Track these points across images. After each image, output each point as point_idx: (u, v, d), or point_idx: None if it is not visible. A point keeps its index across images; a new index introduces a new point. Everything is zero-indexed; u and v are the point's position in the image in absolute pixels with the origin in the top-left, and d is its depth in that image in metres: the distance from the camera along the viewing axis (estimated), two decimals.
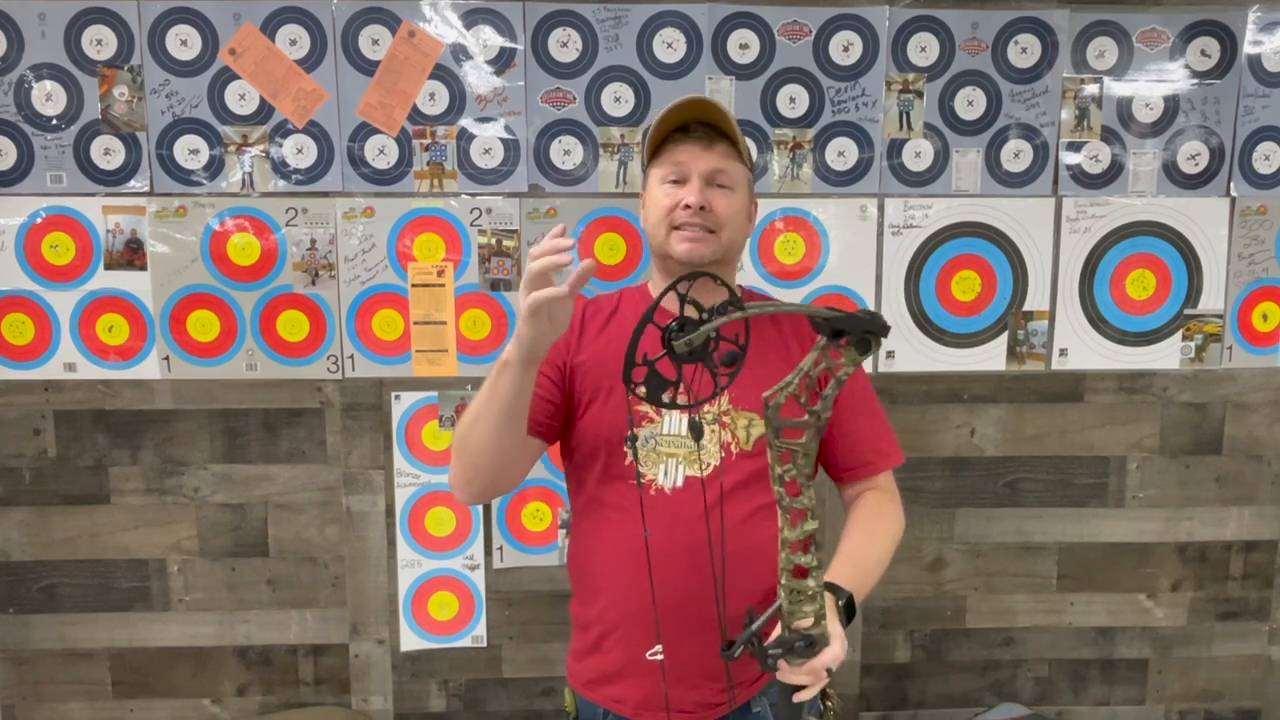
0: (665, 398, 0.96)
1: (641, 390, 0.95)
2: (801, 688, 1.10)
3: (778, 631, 1.08)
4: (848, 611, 1.21)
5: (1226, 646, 2.23)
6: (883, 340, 0.96)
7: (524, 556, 2.10)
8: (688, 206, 1.32)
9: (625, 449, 1.33)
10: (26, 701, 2.11)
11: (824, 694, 1.31)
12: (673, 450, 1.32)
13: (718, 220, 1.33)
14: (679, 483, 1.31)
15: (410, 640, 2.11)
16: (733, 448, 1.32)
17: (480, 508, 2.07)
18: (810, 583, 1.03)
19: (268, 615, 2.10)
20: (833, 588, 1.22)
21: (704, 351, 0.94)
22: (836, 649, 1.09)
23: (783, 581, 1.03)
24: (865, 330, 0.94)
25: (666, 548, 1.27)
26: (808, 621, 1.05)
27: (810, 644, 1.06)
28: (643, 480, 1.32)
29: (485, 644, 2.12)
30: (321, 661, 2.12)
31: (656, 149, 1.39)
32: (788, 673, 1.08)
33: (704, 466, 1.32)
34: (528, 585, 2.11)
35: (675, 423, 1.33)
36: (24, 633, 2.08)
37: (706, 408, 1.32)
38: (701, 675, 1.29)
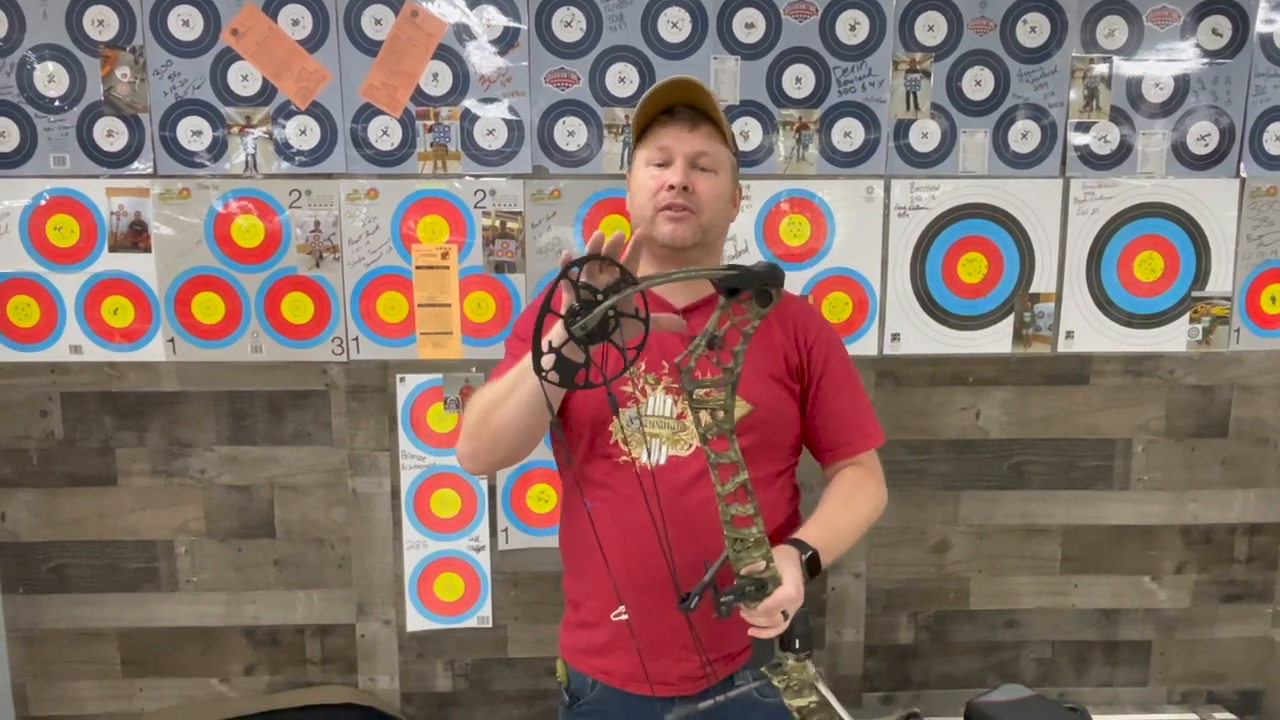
0: (578, 379, 0.98)
1: (554, 376, 0.97)
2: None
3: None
4: (811, 567, 1.26)
5: (1230, 629, 2.24)
6: (782, 289, 0.98)
7: (529, 538, 2.11)
8: (671, 187, 1.34)
9: (610, 429, 1.35)
10: (37, 680, 2.13)
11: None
12: (656, 430, 1.35)
13: (699, 202, 1.35)
14: (662, 461, 1.34)
15: (416, 621, 2.12)
16: None
17: (485, 490, 2.08)
18: (752, 530, 1.08)
19: (275, 596, 2.11)
20: (798, 544, 1.27)
21: (604, 331, 0.96)
22: (790, 590, 1.14)
23: (726, 533, 1.08)
24: (760, 284, 0.96)
25: (649, 525, 1.27)
26: (759, 565, 1.10)
27: (761, 587, 1.11)
28: (625, 459, 1.35)
29: (491, 624, 2.13)
30: (328, 641, 2.14)
31: (642, 132, 1.41)
32: (744, 616, 1.15)
33: (687, 447, 1.35)
34: (533, 566, 2.12)
35: (659, 403, 1.36)
36: (34, 613, 2.10)
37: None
38: (684, 648, 1.31)
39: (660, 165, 1.37)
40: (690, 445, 1.35)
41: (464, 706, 2.18)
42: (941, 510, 2.16)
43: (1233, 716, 2.20)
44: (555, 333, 1.04)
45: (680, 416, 1.35)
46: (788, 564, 1.20)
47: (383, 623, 2.13)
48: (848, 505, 1.41)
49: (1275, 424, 2.16)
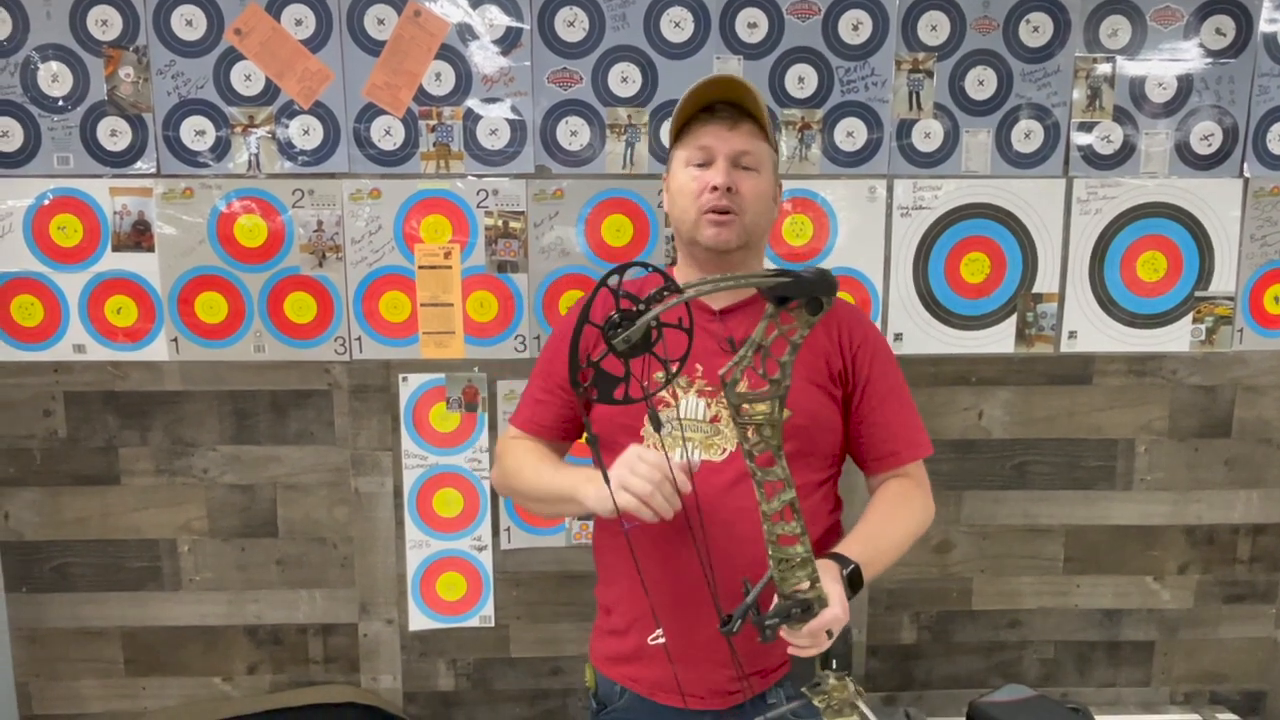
0: (617, 395, 0.96)
1: (594, 394, 0.95)
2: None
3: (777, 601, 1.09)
4: (853, 583, 1.22)
5: (1233, 629, 2.23)
6: (834, 297, 0.93)
7: (531, 538, 2.11)
8: (714, 189, 1.30)
9: (641, 434, 1.33)
10: (40, 679, 2.13)
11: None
12: (689, 434, 1.32)
13: (743, 203, 1.32)
14: (694, 467, 1.31)
15: (419, 620, 2.12)
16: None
17: (488, 490, 2.08)
18: (798, 549, 1.04)
19: (277, 595, 2.12)
20: (839, 558, 1.23)
21: (645, 343, 0.93)
22: (837, 610, 1.10)
23: (771, 554, 1.04)
24: (811, 292, 0.91)
25: (682, 534, 1.26)
26: (804, 585, 1.06)
27: (806, 608, 1.06)
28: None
29: (493, 624, 2.13)
30: (331, 641, 2.14)
31: (680, 131, 1.38)
32: (789, 638, 1.10)
33: (721, 451, 1.32)
34: (535, 566, 2.12)
35: (692, 406, 1.33)
36: (37, 611, 2.10)
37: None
38: (716, 662, 1.29)
39: (700, 165, 1.33)
40: (724, 450, 1.31)
41: (466, 706, 2.18)
42: (944, 510, 2.15)
43: (1235, 717, 2.20)
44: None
45: (714, 420, 1.32)
46: (830, 580, 1.15)
47: (385, 622, 2.13)
48: (891, 518, 1.37)
49: (1279, 424, 2.15)
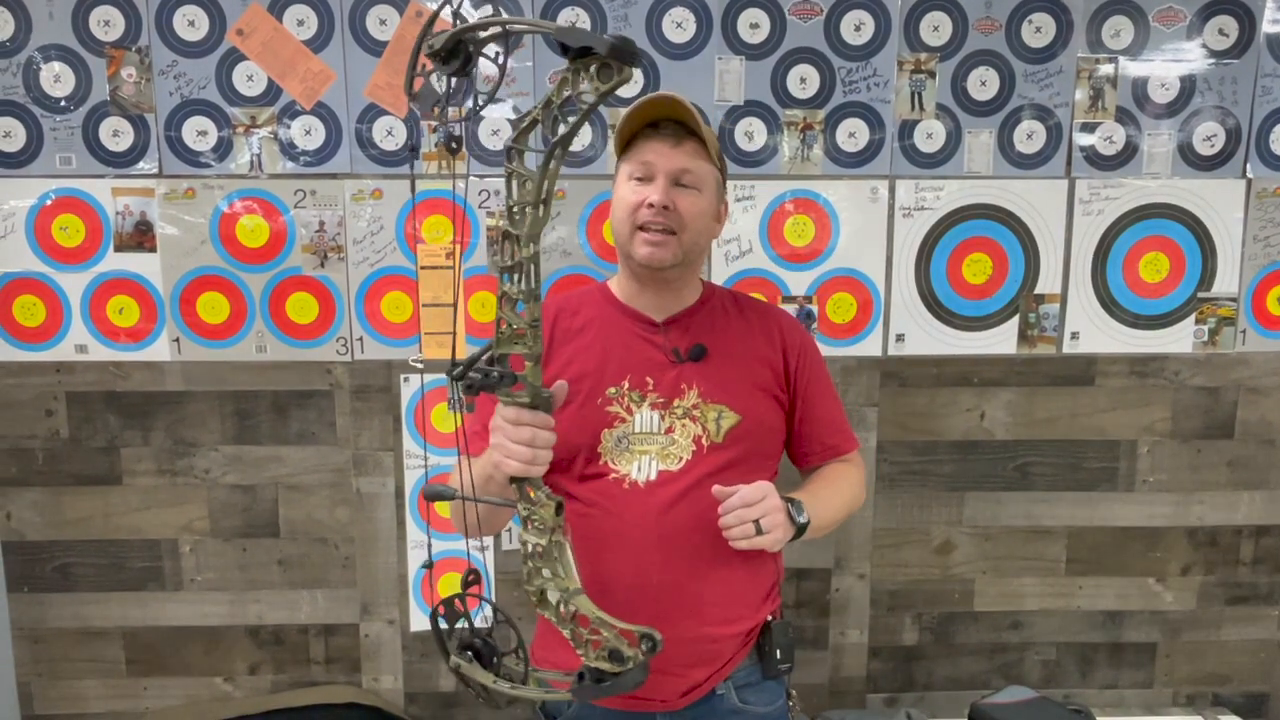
0: (436, 110, 1.01)
1: (416, 106, 1.01)
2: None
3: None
4: (798, 527, 1.30)
5: (1236, 631, 2.23)
6: (632, 67, 0.93)
7: None
8: (651, 205, 1.32)
9: (599, 449, 1.35)
10: (42, 679, 2.13)
11: (787, 694, 1.44)
12: (645, 447, 1.36)
13: (680, 221, 1.34)
14: (652, 476, 1.34)
15: (420, 621, 2.12)
16: (704, 440, 1.35)
17: None
18: (523, 319, 1.05)
19: (279, 595, 2.12)
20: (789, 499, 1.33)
21: (464, 66, 1.00)
22: (763, 488, 1.25)
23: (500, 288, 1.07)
24: (609, 53, 0.91)
25: (642, 540, 1.31)
26: (522, 364, 1.07)
27: (511, 381, 1.08)
28: (615, 476, 1.35)
29: (494, 624, 2.13)
30: (332, 641, 2.14)
31: (626, 145, 1.39)
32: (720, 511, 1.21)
33: (677, 460, 1.35)
34: None
35: (646, 420, 1.36)
36: (39, 611, 2.10)
37: (677, 401, 1.36)
38: (669, 661, 1.30)
39: (641, 180, 1.35)
40: (680, 459, 1.35)
41: (467, 706, 2.18)
42: (946, 511, 2.15)
43: (1237, 719, 2.19)
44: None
45: (668, 431, 1.36)
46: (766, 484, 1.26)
47: (386, 622, 2.13)
48: (830, 483, 1.45)
49: None
